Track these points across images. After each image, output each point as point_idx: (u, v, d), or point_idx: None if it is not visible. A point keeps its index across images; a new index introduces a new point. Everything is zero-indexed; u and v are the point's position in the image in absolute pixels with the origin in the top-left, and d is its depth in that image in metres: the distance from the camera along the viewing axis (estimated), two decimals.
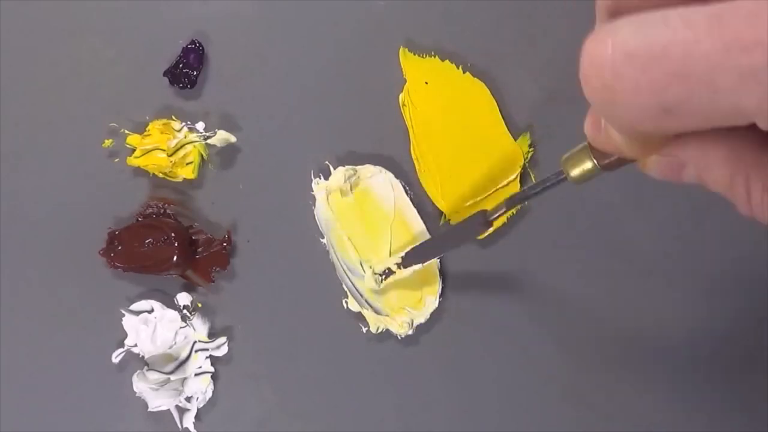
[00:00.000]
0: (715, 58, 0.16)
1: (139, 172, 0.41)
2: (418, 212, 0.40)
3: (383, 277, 0.39)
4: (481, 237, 0.40)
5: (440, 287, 0.39)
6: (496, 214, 0.33)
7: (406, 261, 0.38)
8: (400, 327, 0.39)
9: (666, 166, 0.22)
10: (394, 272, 0.38)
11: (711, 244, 0.40)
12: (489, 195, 0.40)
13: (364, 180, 0.40)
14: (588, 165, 0.25)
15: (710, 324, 0.39)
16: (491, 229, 0.39)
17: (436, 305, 0.39)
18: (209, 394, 0.39)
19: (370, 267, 0.39)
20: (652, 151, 0.22)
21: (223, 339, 0.40)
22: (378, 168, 0.40)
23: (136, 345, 0.40)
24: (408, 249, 0.38)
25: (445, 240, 0.38)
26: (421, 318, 0.39)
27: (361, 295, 0.40)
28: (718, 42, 0.16)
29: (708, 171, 0.21)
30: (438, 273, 0.39)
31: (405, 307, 0.39)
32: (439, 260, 0.39)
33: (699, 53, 0.16)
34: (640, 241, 0.40)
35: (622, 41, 0.17)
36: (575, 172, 0.26)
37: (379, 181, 0.40)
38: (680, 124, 0.18)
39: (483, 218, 0.34)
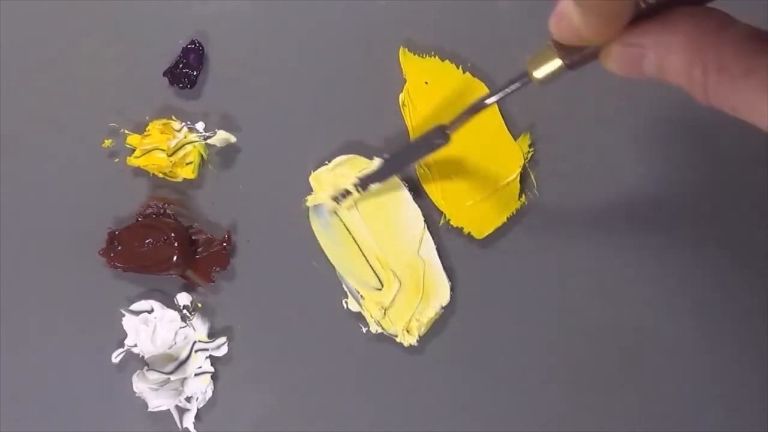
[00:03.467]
0: None
1: (139, 172, 0.41)
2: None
3: (341, 198, 0.38)
4: (480, 237, 0.40)
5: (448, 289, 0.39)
6: (454, 126, 0.33)
7: (364, 182, 0.38)
8: (411, 338, 0.39)
9: (627, 57, 0.23)
10: (352, 194, 0.38)
11: (714, 245, 0.40)
12: (489, 195, 0.40)
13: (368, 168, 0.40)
14: (553, 63, 0.26)
15: (712, 325, 0.39)
16: (490, 231, 0.40)
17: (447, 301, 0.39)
18: (209, 394, 0.39)
19: (330, 197, 0.39)
20: (611, 34, 0.22)
21: (223, 339, 0.40)
22: (369, 162, 0.40)
23: (136, 345, 0.40)
24: (365, 170, 0.38)
25: (403, 156, 0.38)
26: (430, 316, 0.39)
27: (371, 316, 0.39)
28: None
29: (667, 57, 0.22)
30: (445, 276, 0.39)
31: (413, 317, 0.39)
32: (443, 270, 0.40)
33: None
34: (642, 241, 0.40)
35: None
36: (540, 72, 0.26)
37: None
38: None
39: (441, 131, 0.34)
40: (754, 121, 0.21)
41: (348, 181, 0.38)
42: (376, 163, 0.38)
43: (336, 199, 0.39)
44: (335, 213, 0.40)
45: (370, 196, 0.39)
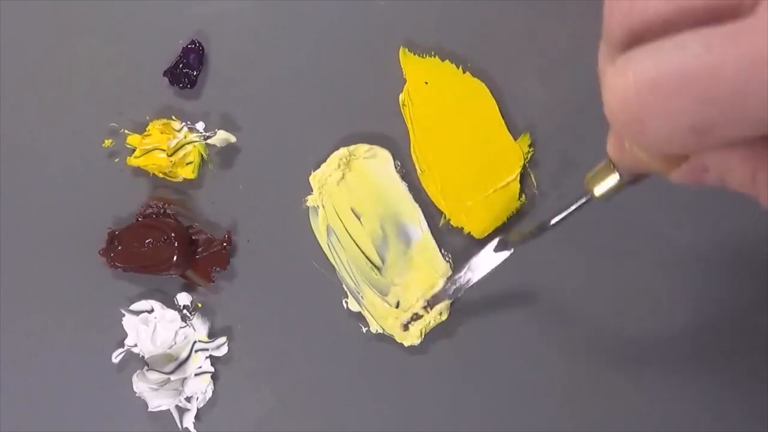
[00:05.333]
0: (743, 76, 0.16)
1: (139, 172, 0.41)
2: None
3: (411, 322, 0.39)
4: (480, 237, 0.40)
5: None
6: (519, 243, 0.34)
7: (432, 302, 0.39)
8: (411, 338, 0.39)
9: (689, 173, 0.22)
10: (422, 316, 0.39)
11: (717, 248, 0.40)
12: (489, 195, 0.40)
13: (359, 160, 0.40)
14: (613, 181, 0.26)
15: (714, 327, 0.39)
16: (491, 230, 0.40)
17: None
18: (209, 394, 0.39)
19: (397, 318, 0.39)
20: (677, 164, 0.22)
21: (223, 339, 0.40)
22: (371, 147, 0.40)
23: (136, 345, 0.40)
24: (433, 293, 0.38)
25: (467, 274, 0.37)
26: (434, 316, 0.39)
27: (363, 298, 0.40)
28: (742, 61, 0.16)
29: (729, 172, 0.21)
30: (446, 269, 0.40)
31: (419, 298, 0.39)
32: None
33: (726, 75, 0.16)
34: (642, 240, 0.40)
35: (645, 71, 0.17)
36: (601, 190, 0.27)
37: (372, 163, 0.40)
38: (711, 142, 0.18)
39: (504, 244, 0.35)
40: None
41: (416, 305, 0.39)
42: (441, 283, 0.39)
43: (406, 325, 0.39)
44: (322, 207, 0.40)
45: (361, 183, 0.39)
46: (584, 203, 0.29)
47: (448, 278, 0.39)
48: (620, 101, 0.18)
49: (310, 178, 0.40)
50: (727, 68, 0.16)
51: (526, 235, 0.33)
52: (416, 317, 0.39)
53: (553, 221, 0.32)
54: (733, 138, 0.18)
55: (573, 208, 0.30)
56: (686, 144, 0.18)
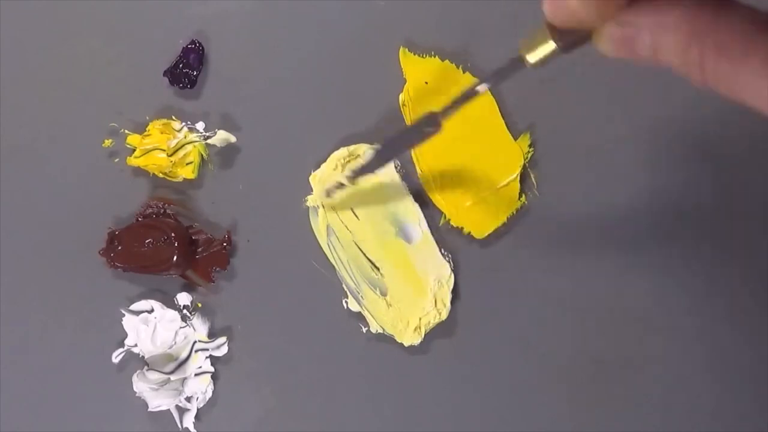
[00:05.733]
0: None
1: (139, 172, 0.41)
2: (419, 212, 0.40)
3: (334, 191, 0.38)
4: (480, 237, 0.40)
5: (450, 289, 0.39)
6: (446, 114, 0.32)
7: (356, 173, 0.37)
8: (411, 338, 0.39)
9: (620, 38, 0.22)
10: (345, 185, 0.37)
11: (714, 245, 0.40)
12: (489, 195, 0.40)
13: (359, 160, 0.40)
14: (547, 45, 0.25)
15: (713, 326, 0.39)
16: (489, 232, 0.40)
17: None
18: (209, 394, 0.39)
19: (318, 182, 0.38)
20: (609, 15, 0.22)
21: (223, 339, 0.40)
22: (371, 147, 0.40)
23: (136, 345, 0.40)
24: (356, 164, 0.37)
25: (395, 145, 0.36)
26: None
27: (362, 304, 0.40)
28: None
29: (662, 38, 0.21)
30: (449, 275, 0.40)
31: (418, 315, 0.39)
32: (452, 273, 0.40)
33: None
34: (642, 240, 0.40)
35: None
36: (534, 56, 0.26)
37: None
38: None
39: (433, 119, 0.33)
40: (754, 105, 0.21)
41: (339, 173, 0.38)
42: (367, 153, 0.37)
43: (328, 192, 0.38)
44: (322, 207, 0.40)
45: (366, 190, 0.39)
46: (514, 70, 0.28)
47: (375, 150, 0.37)
48: None
49: (310, 178, 0.40)
50: None
51: (452, 103, 0.32)
52: (339, 186, 0.37)
53: (480, 88, 0.30)
54: None
55: (503, 74, 0.28)
56: None
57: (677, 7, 0.21)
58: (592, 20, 0.23)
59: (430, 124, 0.33)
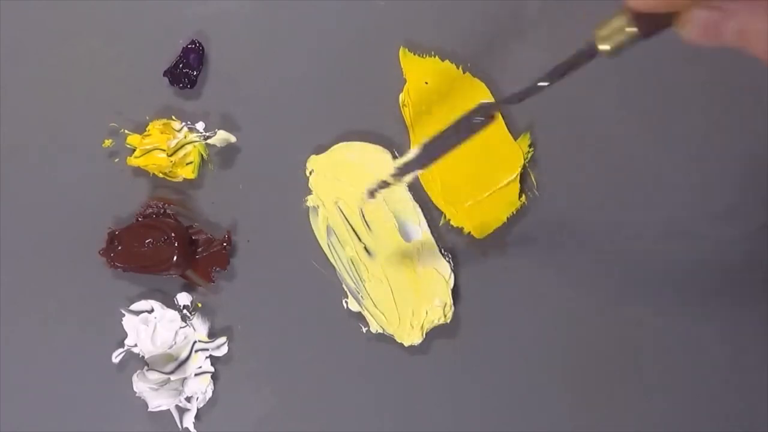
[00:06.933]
0: None
1: (139, 172, 0.41)
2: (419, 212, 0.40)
3: (379, 190, 0.35)
4: (480, 237, 0.40)
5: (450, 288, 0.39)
6: (500, 104, 0.30)
7: (402, 171, 0.34)
8: (411, 338, 0.39)
9: (707, 22, 0.21)
10: (390, 184, 0.35)
11: (714, 245, 0.40)
12: (489, 195, 0.40)
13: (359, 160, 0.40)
14: (625, 32, 0.24)
15: (713, 326, 0.39)
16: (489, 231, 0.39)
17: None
18: (209, 394, 0.39)
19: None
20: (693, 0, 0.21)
21: (223, 339, 0.40)
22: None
23: (136, 345, 0.40)
24: (402, 161, 0.34)
25: (443, 141, 0.34)
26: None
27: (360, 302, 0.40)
28: None
29: (751, 22, 0.20)
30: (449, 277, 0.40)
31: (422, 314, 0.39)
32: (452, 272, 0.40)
33: None
34: (642, 240, 0.40)
35: None
36: (611, 42, 0.25)
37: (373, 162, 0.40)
38: None
39: (484, 110, 0.31)
40: None
41: (378, 170, 0.36)
42: (413, 151, 0.34)
43: (371, 192, 0.36)
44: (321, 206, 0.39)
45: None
46: (588, 61, 0.26)
47: (421, 147, 0.34)
48: None
49: (308, 161, 0.40)
50: None
51: (513, 95, 0.30)
52: (384, 185, 0.35)
53: (542, 83, 0.28)
54: None
55: (576, 64, 0.27)
56: None
57: None
58: (679, 4, 0.22)
59: (482, 114, 0.31)
